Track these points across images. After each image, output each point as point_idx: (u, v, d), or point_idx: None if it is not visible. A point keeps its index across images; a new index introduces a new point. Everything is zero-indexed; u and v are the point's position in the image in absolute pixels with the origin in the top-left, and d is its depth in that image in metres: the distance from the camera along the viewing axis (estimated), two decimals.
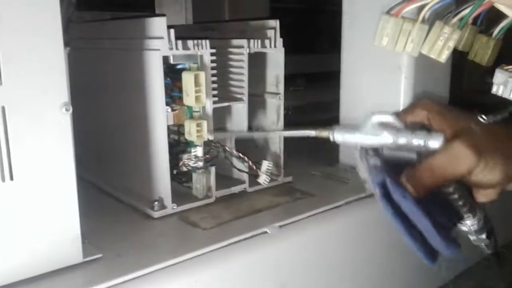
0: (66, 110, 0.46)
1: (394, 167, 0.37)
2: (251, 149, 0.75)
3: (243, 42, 0.67)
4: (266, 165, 0.70)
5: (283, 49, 0.71)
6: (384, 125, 0.37)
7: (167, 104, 0.62)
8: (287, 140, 0.75)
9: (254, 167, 0.70)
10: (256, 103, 0.75)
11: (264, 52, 0.72)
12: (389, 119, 0.37)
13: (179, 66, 0.63)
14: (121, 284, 0.48)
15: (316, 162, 0.86)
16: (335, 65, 0.84)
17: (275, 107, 0.74)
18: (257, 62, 0.73)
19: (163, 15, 0.61)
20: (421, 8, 0.36)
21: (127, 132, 0.69)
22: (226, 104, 0.68)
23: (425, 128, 0.37)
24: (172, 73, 0.63)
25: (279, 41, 0.71)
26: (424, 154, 0.36)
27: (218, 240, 0.56)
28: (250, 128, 0.71)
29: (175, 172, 0.66)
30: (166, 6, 1.20)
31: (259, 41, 0.69)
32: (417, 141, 0.36)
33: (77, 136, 0.49)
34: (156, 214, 0.63)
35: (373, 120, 0.37)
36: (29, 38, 0.44)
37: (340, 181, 0.78)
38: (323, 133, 0.39)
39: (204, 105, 0.63)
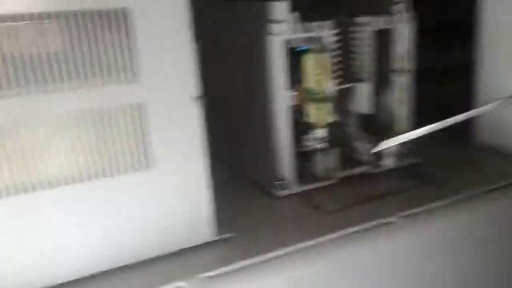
0: (196, 103, 0.49)
1: None
2: (375, 129, 0.72)
3: (368, 19, 0.64)
4: None
5: (411, 24, 0.66)
6: None
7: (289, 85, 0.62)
8: (414, 119, 0.70)
9: None
10: (380, 82, 0.71)
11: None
12: None
13: (301, 48, 0.62)
14: (254, 266, 0.50)
15: (449, 143, 0.78)
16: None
17: (401, 85, 0.70)
18: (382, 37, 0.69)
19: None
20: None
21: (252, 113, 0.71)
22: (348, 85, 0.66)
23: None
24: (294, 54, 0.63)
25: (407, 15, 0.66)
26: None
27: (341, 226, 0.56)
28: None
29: (297, 152, 0.67)
30: None
31: (385, 18, 0.65)
32: None
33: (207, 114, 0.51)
34: (280, 194, 0.65)
35: None
36: (160, 34, 0.47)
37: (477, 166, 0.71)
38: None
39: (325, 87, 0.62)
